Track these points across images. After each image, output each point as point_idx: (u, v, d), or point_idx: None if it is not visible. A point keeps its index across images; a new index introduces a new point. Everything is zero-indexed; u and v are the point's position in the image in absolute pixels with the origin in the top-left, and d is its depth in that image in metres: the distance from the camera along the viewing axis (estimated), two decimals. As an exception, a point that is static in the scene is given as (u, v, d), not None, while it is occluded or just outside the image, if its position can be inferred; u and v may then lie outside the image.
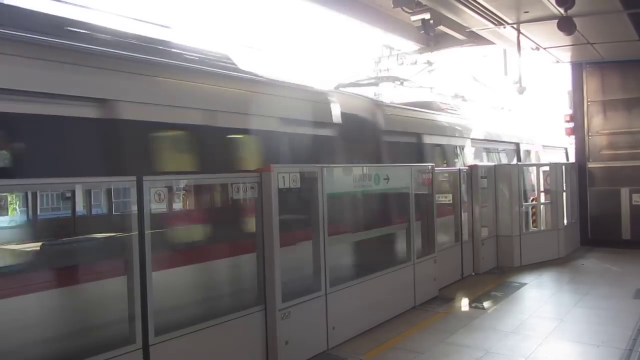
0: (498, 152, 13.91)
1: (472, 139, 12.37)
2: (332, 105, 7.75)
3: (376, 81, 12.72)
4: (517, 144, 14.95)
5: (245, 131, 6.34)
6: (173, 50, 6.21)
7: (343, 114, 7.87)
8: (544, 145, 17.19)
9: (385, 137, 9.14)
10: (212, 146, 5.87)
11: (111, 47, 5.27)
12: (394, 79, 12.78)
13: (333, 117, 7.67)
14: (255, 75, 7.01)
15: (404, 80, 13.08)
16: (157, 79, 5.51)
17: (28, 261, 4.29)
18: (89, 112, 4.71)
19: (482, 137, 12.93)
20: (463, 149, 11.91)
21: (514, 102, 19.72)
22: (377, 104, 9.67)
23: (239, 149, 6.48)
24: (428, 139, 10.49)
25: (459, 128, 12.06)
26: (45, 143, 4.40)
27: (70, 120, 4.57)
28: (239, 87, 6.48)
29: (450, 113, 12.17)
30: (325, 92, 8.04)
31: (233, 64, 6.94)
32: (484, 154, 13.04)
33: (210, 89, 6.10)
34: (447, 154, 11.21)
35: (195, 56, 6.43)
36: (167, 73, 5.69)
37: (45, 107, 4.40)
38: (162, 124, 5.35)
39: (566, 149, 18.52)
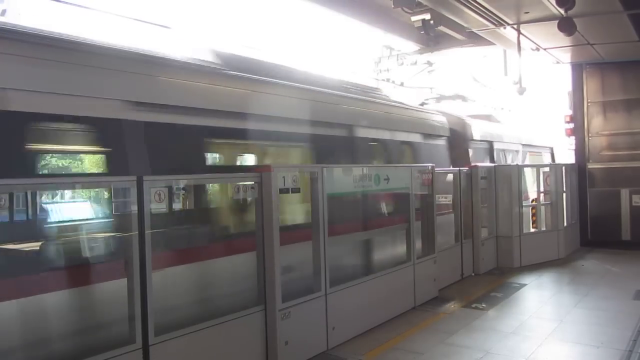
0: (539, 155, 16.63)
1: (522, 144, 15.08)
2: (444, 122, 11.27)
3: (440, 99, 15.18)
4: (551, 148, 17.65)
5: (407, 143, 9.64)
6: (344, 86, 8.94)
7: (450, 129, 11.42)
8: (568, 149, 18.60)
9: (471, 145, 11.98)
10: (395, 153, 9.16)
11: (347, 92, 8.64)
12: (459, 97, 15.51)
13: (445, 131, 11.23)
14: (405, 104, 10.62)
15: (471, 100, 15.75)
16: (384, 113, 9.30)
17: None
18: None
19: (529, 143, 15.70)
20: (517, 153, 14.66)
21: (514, 102, 19.84)
22: (465, 120, 12.35)
23: (406, 154, 9.59)
24: (495, 145, 13.28)
25: (515, 136, 14.87)
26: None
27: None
28: (406, 115, 10.04)
29: (505, 124, 15.16)
30: (441, 113, 11.65)
31: (385, 95, 10.40)
32: (529, 156, 15.62)
33: (393, 116, 9.48)
34: (507, 156, 13.98)
35: (359, 89, 9.42)
36: (374, 106, 9.17)
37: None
38: (372, 139, 8.60)
39: None
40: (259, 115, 6.18)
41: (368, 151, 8.37)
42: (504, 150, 13.76)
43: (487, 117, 14.34)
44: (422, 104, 13.47)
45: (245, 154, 6.97)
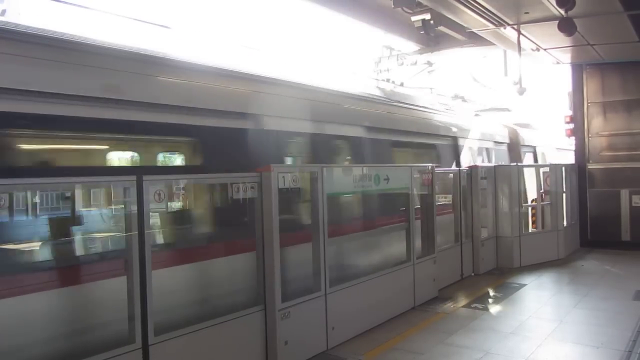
0: (567, 156, 18.57)
1: (557, 148, 18.29)
2: (505, 132, 14.53)
3: (489, 110, 17.36)
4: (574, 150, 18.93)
5: (486, 149, 13.12)
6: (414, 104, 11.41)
7: (509, 137, 14.64)
8: None
9: (521, 149, 14.87)
10: (479, 155, 12.52)
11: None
12: (503, 109, 17.75)
13: (505, 138, 14.51)
14: (483, 119, 14.03)
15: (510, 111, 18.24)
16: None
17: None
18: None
19: (560, 147, 18.61)
20: (552, 155, 17.45)
21: (514, 102, 19.84)
22: (517, 129, 15.16)
23: (484, 156, 12.89)
24: (538, 149, 16.19)
25: (550, 140, 17.81)
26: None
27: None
28: (487, 128, 13.54)
29: (540, 130, 17.74)
30: (501, 125, 14.75)
31: (459, 110, 13.52)
32: (559, 157, 18.04)
33: (480, 129, 13.00)
34: (545, 157, 16.65)
35: (449, 107, 12.90)
36: (467, 121, 12.79)
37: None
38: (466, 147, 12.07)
39: None
40: (408, 131, 9.75)
41: (464, 154, 11.71)
42: (543, 153, 16.63)
43: (527, 125, 16.81)
44: (476, 115, 14.84)
45: (411, 157, 10.28)
